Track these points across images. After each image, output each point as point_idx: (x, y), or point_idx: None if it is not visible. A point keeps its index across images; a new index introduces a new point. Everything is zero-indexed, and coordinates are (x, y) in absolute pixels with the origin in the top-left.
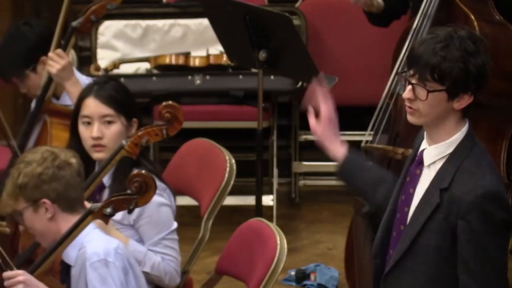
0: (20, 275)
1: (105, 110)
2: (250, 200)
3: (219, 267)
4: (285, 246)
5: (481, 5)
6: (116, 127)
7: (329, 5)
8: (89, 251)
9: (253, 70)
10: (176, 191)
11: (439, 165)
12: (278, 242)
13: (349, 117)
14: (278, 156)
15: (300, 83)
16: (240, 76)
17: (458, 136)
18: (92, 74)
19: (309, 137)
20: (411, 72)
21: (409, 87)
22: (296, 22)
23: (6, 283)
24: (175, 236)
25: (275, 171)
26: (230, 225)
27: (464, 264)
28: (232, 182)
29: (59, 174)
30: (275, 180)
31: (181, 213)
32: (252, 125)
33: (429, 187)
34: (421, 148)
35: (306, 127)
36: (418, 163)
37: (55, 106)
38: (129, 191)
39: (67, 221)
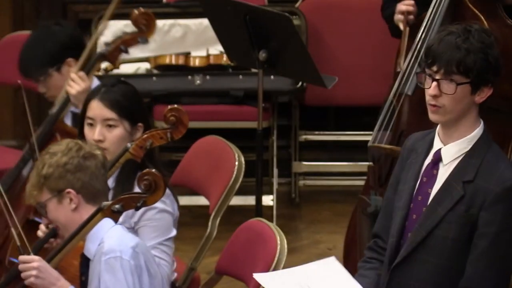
0: (36, 261)
1: (108, 113)
2: (250, 200)
3: (219, 267)
4: (285, 246)
5: (490, 7)
6: (117, 132)
7: (329, 5)
8: (106, 247)
9: (253, 70)
10: (187, 189)
11: (456, 161)
12: (278, 242)
13: (349, 117)
14: (278, 156)
15: (300, 83)
16: (240, 76)
17: (478, 131)
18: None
19: (309, 137)
20: (435, 68)
21: (434, 83)
22: (296, 22)
23: (20, 266)
24: (172, 244)
25: (275, 171)
26: (230, 225)
27: (477, 255)
28: (240, 180)
29: (84, 164)
30: (275, 180)
31: (181, 213)
32: (252, 125)
33: (448, 180)
34: (435, 148)
35: (306, 127)
36: (434, 163)
37: (66, 127)
38: (138, 190)
39: (90, 212)
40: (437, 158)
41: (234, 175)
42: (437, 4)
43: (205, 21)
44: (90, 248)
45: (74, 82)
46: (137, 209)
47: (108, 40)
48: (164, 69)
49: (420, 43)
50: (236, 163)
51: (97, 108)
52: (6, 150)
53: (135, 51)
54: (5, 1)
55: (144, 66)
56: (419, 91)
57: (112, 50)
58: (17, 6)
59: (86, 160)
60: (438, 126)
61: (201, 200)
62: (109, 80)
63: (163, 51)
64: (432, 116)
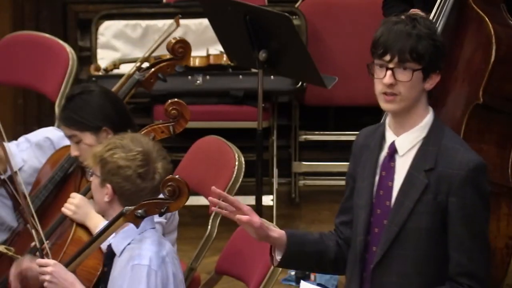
0: (51, 265)
1: (68, 131)
2: (250, 200)
3: (219, 267)
4: None
5: (494, 9)
6: (84, 144)
7: (329, 5)
8: (137, 252)
9: (253, 70)
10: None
11: (413, 151)
12: None
13: (349, 117)
14: (278, 156)
15: (300, 83)
16: (240, 76)
17: (429, 118)
18: (92, 74)
19: (309, 137)
20: (387, 57)
21: (389, 72)
22: (296, 22)
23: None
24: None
25: (275, 171)
26: (230, 225)
27: (457, 241)
28: (240, 180)
29: (135, 181)
30: (275, 180)
31: (181, 213)
32: (252, 125)
33: (409, 172)
34: (388, 141)
35: (306, 127)
36: (391, 155)
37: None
38: (162, 195)
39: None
40: (393, 150)
41: (234, 175)
42: (441, 6)
43: (205, 21)
44: (119, 243)
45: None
46: (161, 214)
47: (144, 66)
48: None
49: None
50: (236, 163)
51: (62, 129)
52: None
53: (135, 51)
54: (5, 1)
55: (144, 66)
56: None
57: (149, 77)
58: (17, 6)
59: (139, 179)
60: (388, 118)
61: (201, 200)
62: (71, 91)
63: (163, 51)
64: (387, 106)
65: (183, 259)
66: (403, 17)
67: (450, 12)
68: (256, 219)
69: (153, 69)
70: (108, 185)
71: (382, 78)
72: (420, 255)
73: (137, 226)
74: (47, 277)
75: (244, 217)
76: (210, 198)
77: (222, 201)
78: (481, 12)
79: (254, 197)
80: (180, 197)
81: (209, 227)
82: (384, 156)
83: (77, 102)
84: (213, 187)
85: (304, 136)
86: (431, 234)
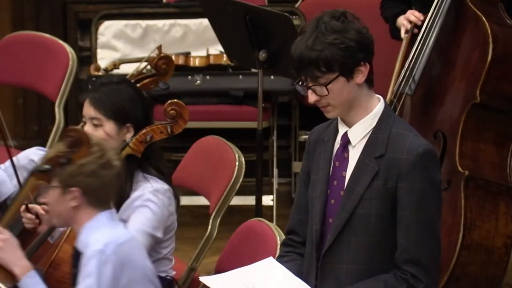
0: (5, 234)
1: (92, 113)
2: (250, 200)
3: (219, 267)
4: None
5: (492, 8)
6: (102, 131)
7: (329, 5)
8: (93, 239)
9: (253, 70)
10: (188, 189)
11: (365, 140)
12: (278, 242)
13: None
14: (278, 156)
15: None
16: (240, 76)
17: (379, 107)
18: (92, 74)
19: None
20: (303, 77)
21: (310, 91)
22: (296, 22)
23: None
24: (150, 241)
25: (275, 171)
26: (230, 225)
27: (404, 226)
28: (240, 180)
29: (100, 173)
30: (275, 180)
31: (181, 213)
32: (252, 125)
33: (360, 159)
34: (341, 133)
35: (306, 127)
36: (344, 146)
37: None
38: (63, 147)
39: (89, 214)
40: (346, 141)
41: (234, 175)
42: (438, 5)
43: (205, 21)
44: (83, 241)
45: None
46: (63, 165)
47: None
48: None
49: (420, 45)
50: (237, 163)
51: (85, 107)
52: (6, 150)
53: (135, 51)
54: (5, 1)
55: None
56: (420, 91)
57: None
58: (17, 6)
59: (103, 169)
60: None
61: (201, 200)
62: (106, 79)
63: (163, 51)
64: (327, 115)
65: (183, 259)
66: (309, 25)
67: (448, 12)
68: None
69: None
70: (73, 189)
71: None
72: (369, 242)
73: (49, 181)
74: None
75: None
76: None
77: None
78: (478, 12)
79: (254, 197)
80: (81, 146)
81: (209, 227)
82: (338, 147)
83: (114, 89)
84: None
85: (304, 136)
86: (381, 221)
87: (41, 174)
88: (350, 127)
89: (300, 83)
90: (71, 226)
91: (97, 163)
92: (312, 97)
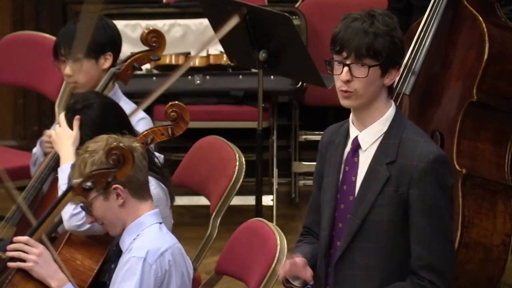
0: (40, 248)
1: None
2: (250, 200)
3: (219, 267)
4: (285, 246)
5: (488, 7)
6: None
7: (329, 5)
8: (137, 245)
9: (253, 70)
10: (188, 189)
11: (375, 145)
12: (278, 242)
13: (349, 117)
14: (278, 156)
15: (300, 83)
16: (240, 76)
17: (391, 112)
18: None
19: (309, 137)
20: (344, 54)
21: (346, 68)
22: (296, 22)
23: (22, 247)
24: None
25: (275, 171)
26: (230, 225)
27: (418, 233)
28: (241, 180)
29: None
30: (275, 180)
31: (181, 213)
32: (252, 125)
33: (371, 165)
34: (351, 137)
35: (306, 127)
36: (354, 151)
37: None
38: (107, 165)
39: (137, 208)
40: (356, 146)
41: (235, 175)
42: (434, 6)
43: (205, 21)
44: (126, 240)
45: (48, 142)
46: (108, 184)
47: (119, 59)
48: (164, 69)
49: (418, 44)
50: (237, 163)
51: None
52: (6, 150)
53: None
54: (5, 2)
55: (144, 66)
56: (417, 91)
57: (125, 69)
58: (17, 6)
59: (129, 153)
60: (351, 115)
61: (201, 200)
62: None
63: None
64: (344, 102)
65: None
66: (361, 14)
67: (444, 11)
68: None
69: (128, 61)
70: (113, 186)
71: (339, 75)
72: (382, 248)
73: (87, 199)
74: (33, 257)
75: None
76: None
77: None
78: (474, 11)
79: (254, 197)
80: (125, 164)
81: (209, 227)
82: (348, 151)
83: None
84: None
85: (304, 136)
86: (393, 227)
87: (81, 190)
88: (360, 129)
89: (335, 59)
90: (126, 225)
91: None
92: (346, 75)
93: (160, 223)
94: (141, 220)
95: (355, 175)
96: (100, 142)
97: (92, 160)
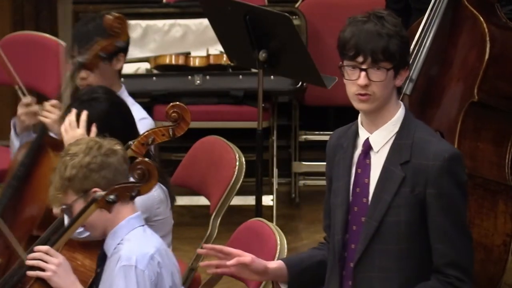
0: (59, 258)
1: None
2: (250, 200)
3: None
4: (285, 246)
5: (489, 8)
6: None
7: (329, 5)
8: (124, 252)
9: (253, 70)
10: (188, 189)
11: (387, 146)
12: (278, 242)
13: (349, 117)
14: (278, 156)
15: (300, 83)
16: (240, 76)
17: (401, 112)
18: None
19: (309, 137)
20: (360, 59)
21: (363, 73)
22: (296, 22)
23: (41, 256)
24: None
25: (275, 171)
26: (230, 225)
27: (439, 232)
28: (241, 181)
29: (107, 161)
30: (275, 180)
31: (181, 213)
32: (252, 125)
33: (385, 166)
34: (361, 139)
35: (306, 127)
36: (365, 152)
37: (55, 140)
38: (131, 179)
39: (118, 212)
40: (367, 147)
41: (235, 175)
42: (435, 6)
43: (205, 21)
44: (110, 245)
45: (49, 112)
46: (132, 198)
47: (83, 48)
48: (164, 69)
49: (418, 45)
50: (237, 163)
51: None
52: (6, 150)
53: (135, 51)
54: (5, 2)
55: (144, 66)
56: (417, 91)
57: (91, 58)
58: (17, 6)
59: (109, 157)
60: (360, 117)
61: (201, 200)
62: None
63: (163, 51)
64: (361, 106)
65: (183, 259)
66: (368, 16)
67: (445, 12)
68: (245, 257)
69: (94, 50)
70: (93, 190)
71: (356, 80)
72: (400, 249)
73: (110, 211)
74: (53, 267)
75: (231, 261)
76: (199, 250)
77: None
78: (475, 11)
79: (254, 197)
80: (150, 179)
81: (209, 227)
82: (359, 153)
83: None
84: (199, 250)
85: (304, 136)
86: (411, 227)
87: (104, 203)
88: (370, 131)
89: (348, 64)
90: (110, 231)
91: (101, 154)
92: (364, 80)
93: (143, 225)
94: (124, 223)
95: (368, 177)
96: (81, 145)
97: (72, 163)
